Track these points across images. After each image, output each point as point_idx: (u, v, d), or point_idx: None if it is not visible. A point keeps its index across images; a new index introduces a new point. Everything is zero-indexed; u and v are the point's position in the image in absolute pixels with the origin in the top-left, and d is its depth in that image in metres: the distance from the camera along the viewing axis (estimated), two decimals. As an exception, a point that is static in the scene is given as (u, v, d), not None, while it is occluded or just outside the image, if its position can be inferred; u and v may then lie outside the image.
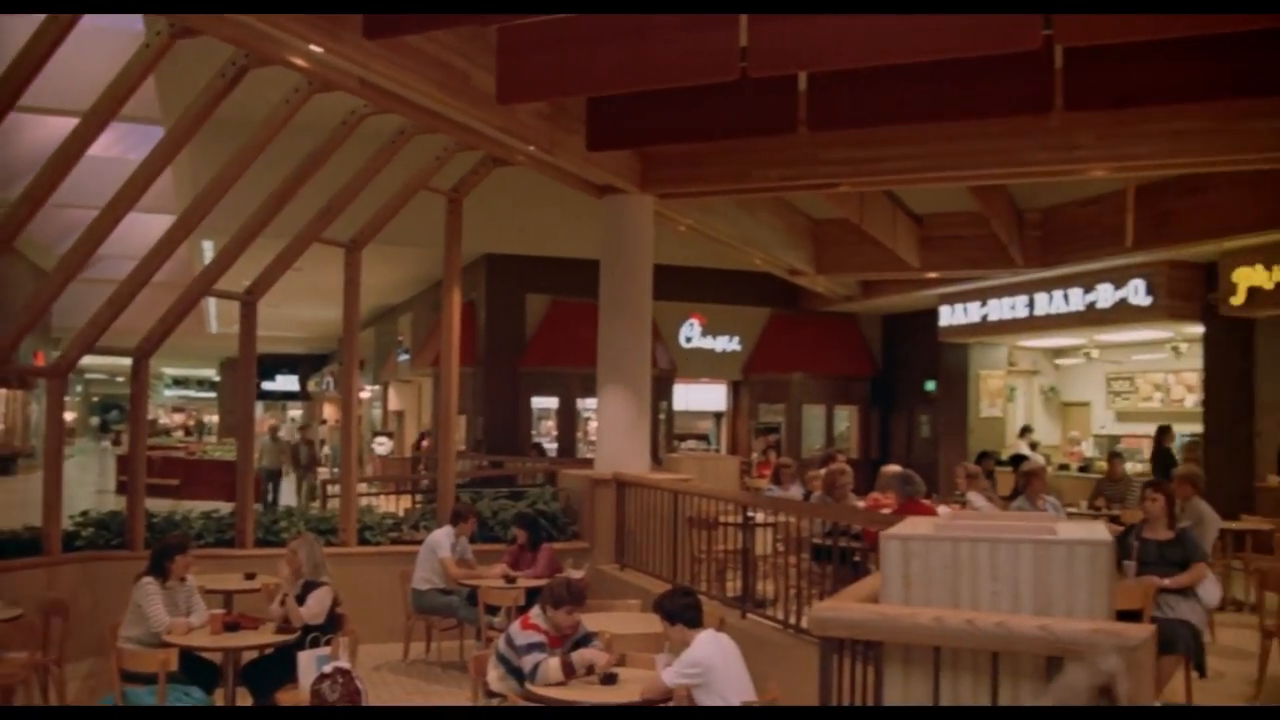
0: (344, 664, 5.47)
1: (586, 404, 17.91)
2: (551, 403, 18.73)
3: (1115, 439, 17.89)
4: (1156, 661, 6.46)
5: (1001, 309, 17.25)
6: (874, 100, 8.31)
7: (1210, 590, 6.94)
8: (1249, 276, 13.55)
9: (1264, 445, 13.98)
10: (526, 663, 5.64)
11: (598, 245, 11.09)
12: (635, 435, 10.82)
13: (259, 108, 8.29)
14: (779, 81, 8.31)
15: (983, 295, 17.48)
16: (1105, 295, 15.33)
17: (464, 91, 7.72)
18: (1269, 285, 13.35)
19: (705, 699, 5.15)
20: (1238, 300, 13.75)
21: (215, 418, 48.50)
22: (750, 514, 8.50)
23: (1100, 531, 3.31)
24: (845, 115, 8.59)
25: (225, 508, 10.48)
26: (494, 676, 5.86)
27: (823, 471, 10.15)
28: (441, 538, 9.07)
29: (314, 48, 6.94)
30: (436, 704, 7.87)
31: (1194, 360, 15.90)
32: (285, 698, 5.80)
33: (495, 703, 5.81)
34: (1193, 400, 16.83)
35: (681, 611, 5.47)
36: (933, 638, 3.06)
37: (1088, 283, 15.50)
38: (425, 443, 21.30)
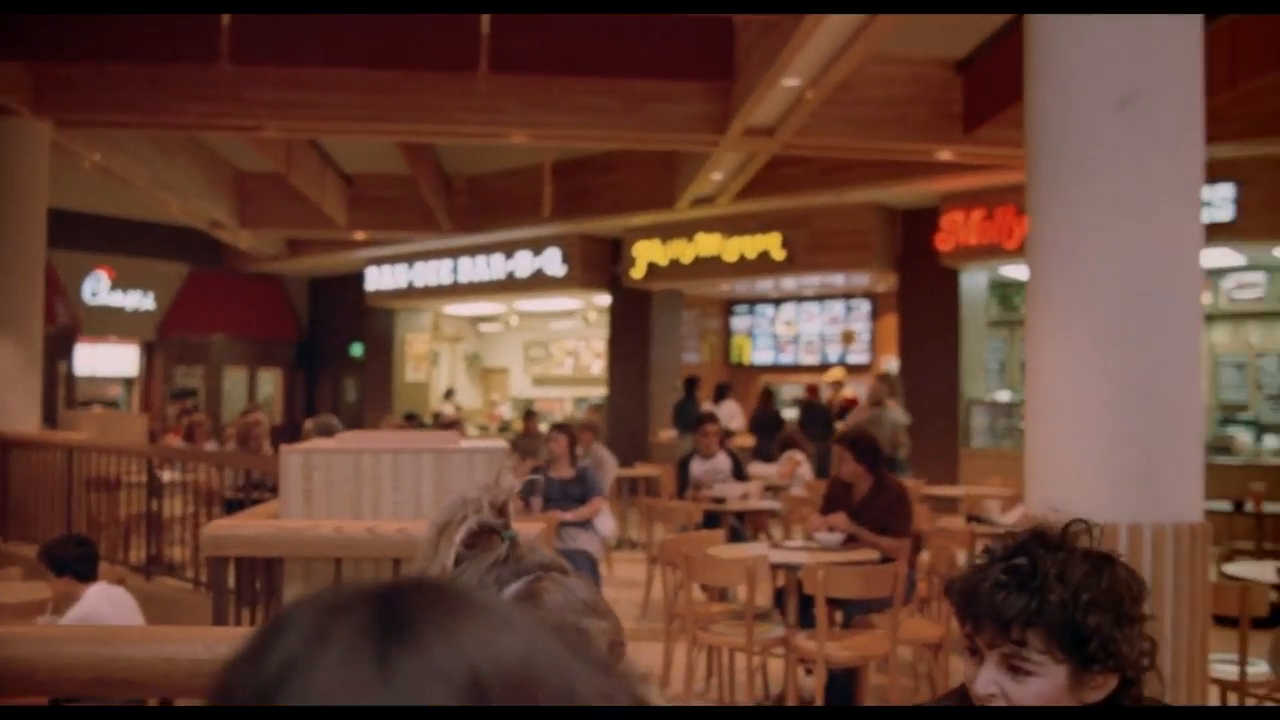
0: None
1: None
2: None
3: (531, 401, 18.99)
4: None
5: (428, 274, 17.56)
6: (303, 39, 8.08)
7: (606, 523, 7.58)
8: (647, 251, 14.97)
9: (656, 405, 15.53)
10: None
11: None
12: (23, 391, 9.61)
13: None
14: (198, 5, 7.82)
15: (410, 259, 17.70)
16: (524, 263, 16.14)
17: None
18: (664, 261, 14.85)
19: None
20: (638, 273, 15.15)
21: None
22: (158, 473, 7.96)
23: (497, 442, 3.43)
24: (272, 51, 8.26)
25: None
26: None
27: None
28: None
29: None
30: None
31: (602, 329, 17.24)
32: None
33: None
34: (600, 366, 18.27)
35: (74, 562, 4.88)
36: (334, 549, 2.98)
37: (509, 250, 16.22)
38: None
